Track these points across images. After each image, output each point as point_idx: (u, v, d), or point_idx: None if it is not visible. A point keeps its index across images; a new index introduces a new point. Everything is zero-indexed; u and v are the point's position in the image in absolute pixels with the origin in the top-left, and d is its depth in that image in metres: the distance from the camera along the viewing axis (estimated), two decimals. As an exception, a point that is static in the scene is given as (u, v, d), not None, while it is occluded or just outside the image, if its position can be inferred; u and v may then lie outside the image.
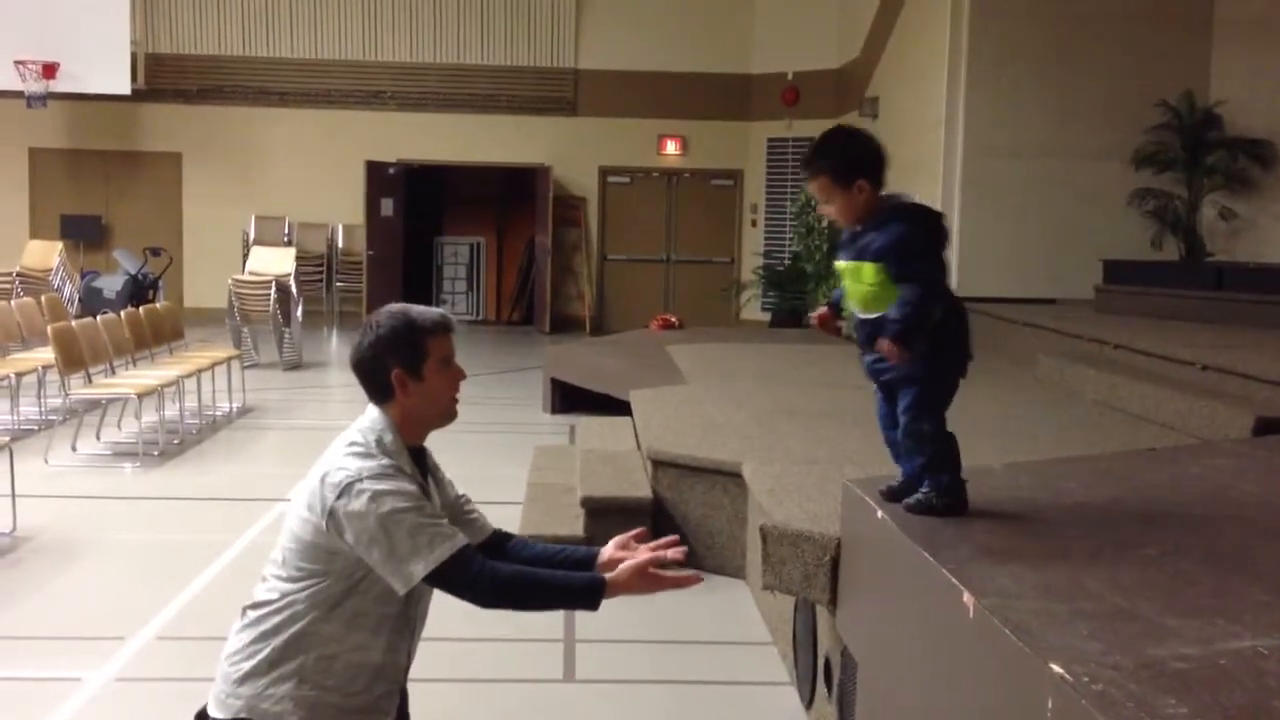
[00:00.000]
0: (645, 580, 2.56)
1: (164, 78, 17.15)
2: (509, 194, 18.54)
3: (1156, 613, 2.59)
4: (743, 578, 5.91)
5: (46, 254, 15.11)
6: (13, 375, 9.11)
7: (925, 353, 3.10)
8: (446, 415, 2.62)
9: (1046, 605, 2.61)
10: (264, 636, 2.49)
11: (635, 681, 4.96)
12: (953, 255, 11.33)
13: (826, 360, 9.78)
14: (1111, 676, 2.16)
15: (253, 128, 17.40)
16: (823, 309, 3.27)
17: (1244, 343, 7.40)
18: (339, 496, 2.43)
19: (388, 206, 17.43)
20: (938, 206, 11.66)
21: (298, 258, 14.39)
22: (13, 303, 10.67)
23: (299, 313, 13.52)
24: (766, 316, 16.67)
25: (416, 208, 17.98)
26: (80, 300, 14.04)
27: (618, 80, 17.49)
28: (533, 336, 16.88)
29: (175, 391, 9.36)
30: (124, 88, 16.02)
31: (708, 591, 5.92)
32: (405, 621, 2.57)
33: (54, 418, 9.02)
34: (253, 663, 2.49)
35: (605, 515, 6.07)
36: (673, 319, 14.39)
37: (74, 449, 8.60)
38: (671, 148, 17.80)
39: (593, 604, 2.53)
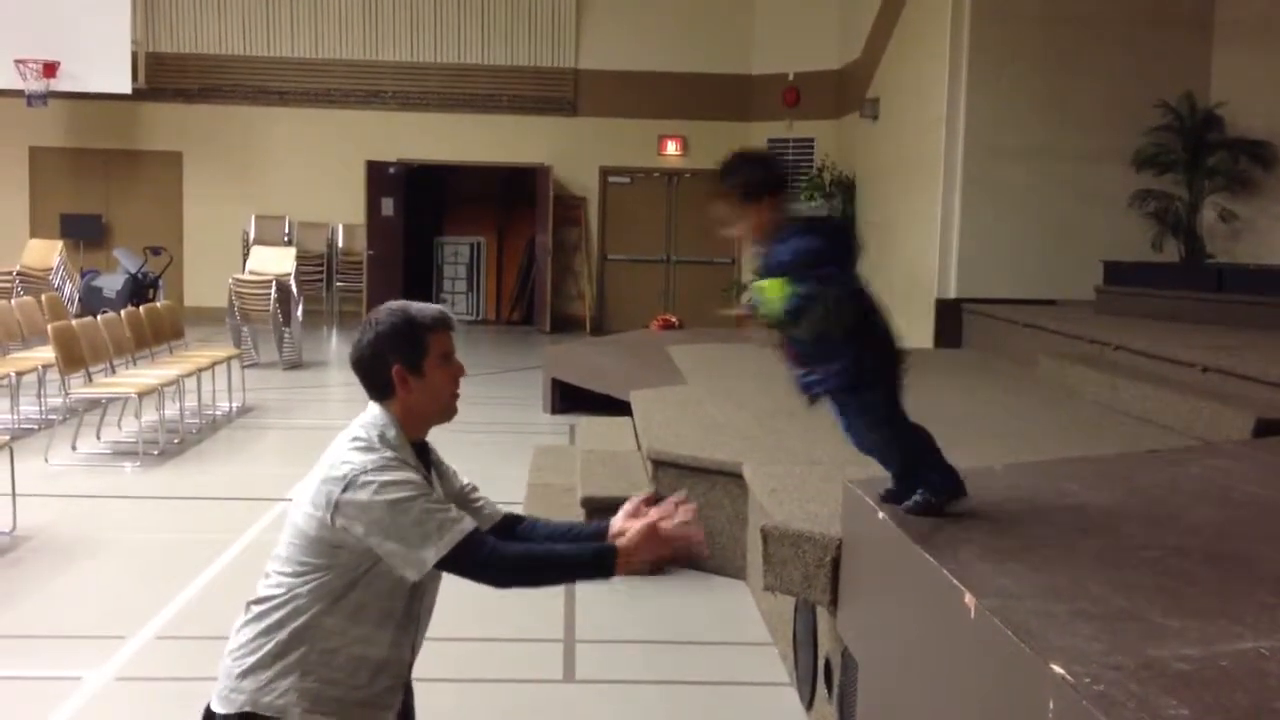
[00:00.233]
0: (653, 542, 2.57)
1: (164, 77, 17.15)
2: (509, 194, 18.54)
3: (1158, 613, 2.59)
4: (743, 578, 5.91)
5: (47, 253, 15.10)
6: (13, 374, 9.11)
7: (846, 366, 3.11)
8: (447, 411, 2.63)
9: (1047, 606, 2.61)
10: (267, 631, 2.50)
11: (635, 682, 4.96)
12: (953, 256, 11.35)
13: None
14: (1113, 677, 2.16)
15: (253, 127, 17.40)
16: (742, 310, 3.24)
17: (1244, 344, 7.40)
18: (344, 490, 2.44)
19: (388, 206, 17.44)
20: (938, 208, 11.74)
21: (298, 257, 14.39)
22: (13, 302, 10.67)
23: (299, 312, 13.52)
24: (767, 317, 16.67)
25: (417, 207, 17.98)
26: (80, 299, 14.04)
27: (618, 80, 17.50)
28: (533, 336, 16.88)
29: (175, 391, 9.35)
30: (124, 87, 16.02)
31: (708, 592, 5.92)
32: (409, 616, 2.58)
33: (54, 417, 9.02)
34: (256, 657, 2.50)
35: (605, 515, 6.01)
36: (673, 319, 14.39)
37: (74, 448, 8.60)
38: (672, 148, 17.80)
39: (604, 572, 2.56)
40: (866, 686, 3.61)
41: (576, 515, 6.19)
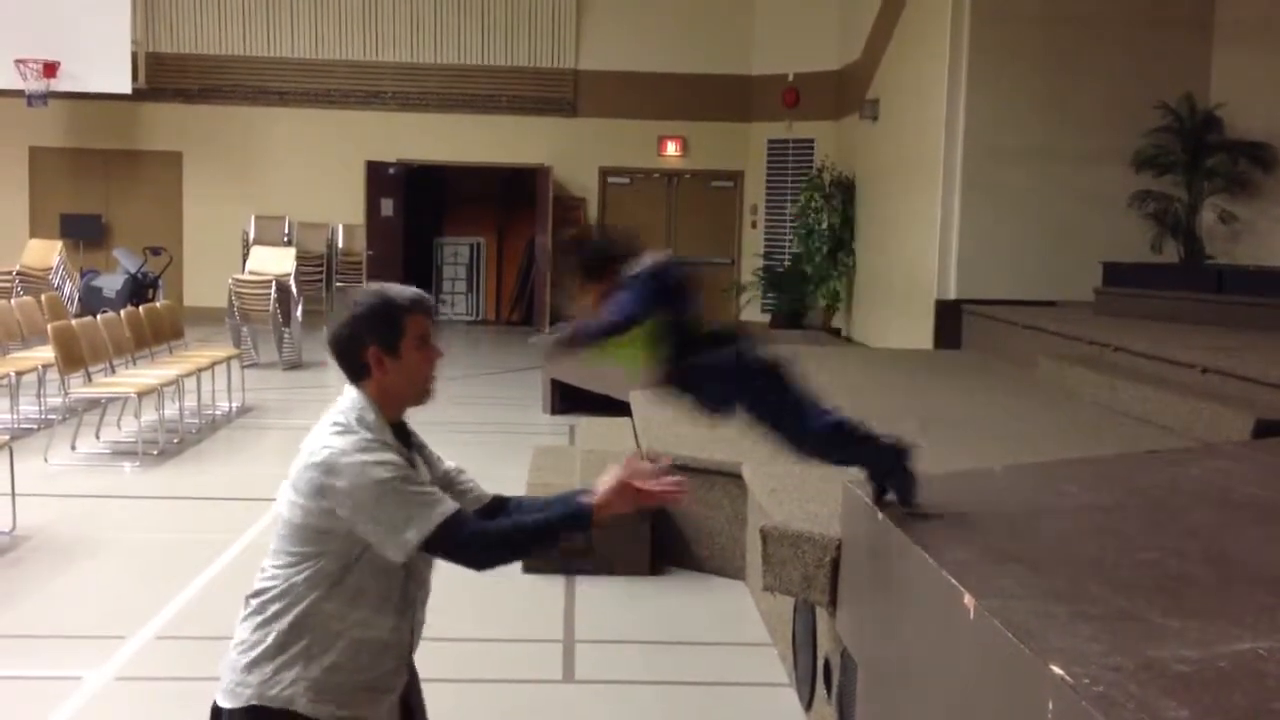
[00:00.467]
0: (628, 495, 2.57)
1: (164, 77, 17.15)
2: (509, 194, 18.53)
3: (1157, 614, 2.59)
4: (742, 579, 5.91)
5: (46, 253, 15.10)
6: (13, 374, 9.10)
7: (725, 395, 3.15)
8: (423, 394, 2.62)
9: (1047, 607, 2.61)
10: (267, 622, 2.50)
11: (634, 682, 4.96)
12: (952, 257, 11.36)
13: (826, 361, 9.78)
14: (1112, 678, 2.16)
15: (253, 127, 17.40)
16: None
17: (1244, 345, 7.40)
18: (326, 474, 2.45)
19: (388, 206, 17.43)
20: (937, 209, 11.72)
21: (298, 257, 14.39)
22: (13, 301, 10.67)
23: (299, 312, 13.52)
24: (766, 318, 16.69)
25: (416, 208, 17.97)
26: (80, 299, 14.03)
27: (618, 81, 17.50)
28: (533, 337, 16.85)
29: (175, 391, 9.35)
30: (124, 87, 16.01)
31: (707, 592, 5.93)
32: (406, 598, 2.58)
33: (54, 417, 9.02)
34: (259, 650, 2.50)
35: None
36: (673, 320, 14.40)
37: (74, 448, 8.60)
38: (672, 149, 17.80)
39: (582, 526, 2.59)
40: (866, 687, 3.61)
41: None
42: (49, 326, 8.76)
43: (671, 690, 4.92)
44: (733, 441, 6.18)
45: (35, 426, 9.26)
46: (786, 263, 16.74)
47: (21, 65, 15.33)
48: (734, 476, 5.75)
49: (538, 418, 10.49)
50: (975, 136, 11.25)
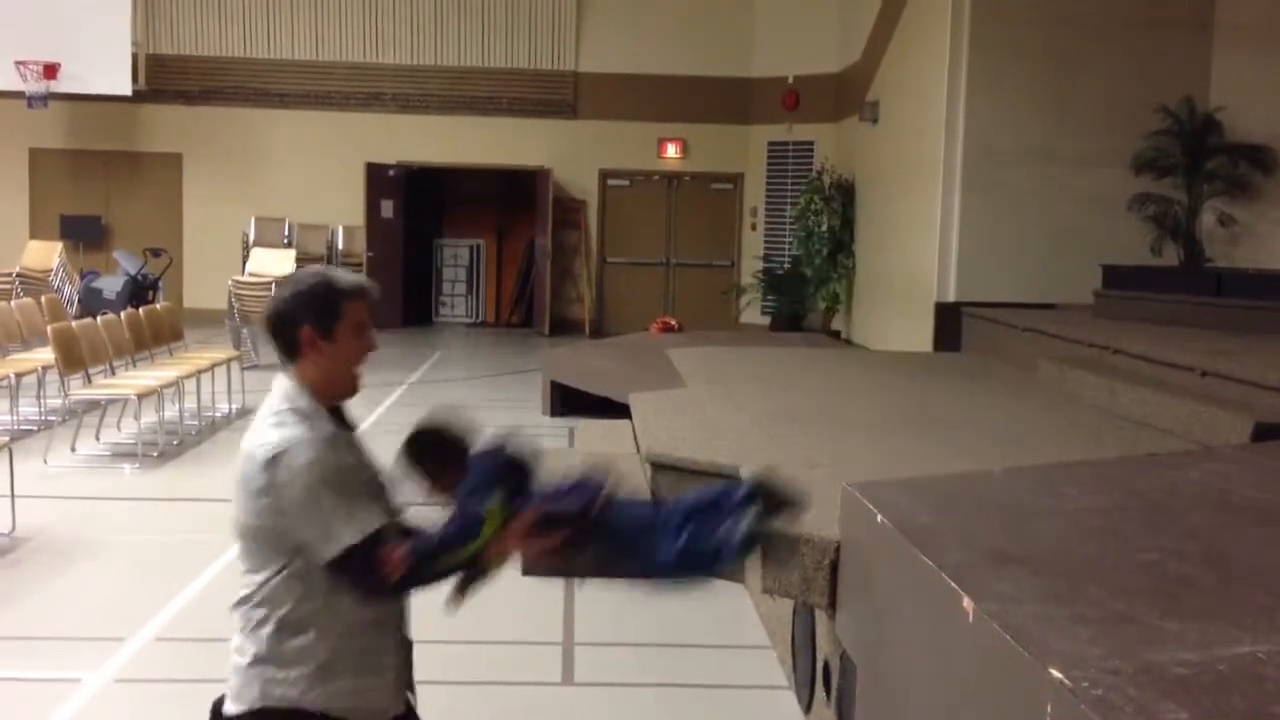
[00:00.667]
0: (519, 540, 2.53)
1: (165, 78, 17.16)
2: (509, 196, 18.55)
3: (1156, 617, 2.59)
4: (741, 581, 5.91)
5: (46, 254, 15.11)
6: (12, 375, 9.11)
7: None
8: (350, 383, 2.59)
9: (1046, 609, 2.61)
10: (257, 628, 2.50)
11: (633, 685, 4.96)
12: (952, 259, 11.36)
13: (826, 364, 9.79)
14: (1111, 681, 2.16)
15: (253, 129, 17.41)
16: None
17: (1243, 348, 7.40)
18: (265, 469, 2.44)
19: (388, 208, 17.44)
20: (937, 211, 11.73)
21: (298, 259, 14.40)
22: (13, 303, 10.67)
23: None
24: (766, 320, 16.70)
25: (416, 209, 17.99)
26: (80, 301, 14.03)
27: (618, 83, 17.50)
28: (532, 339, 16.88)
29: (175, 392, 9.36)
30: (125, 88, 16.02)
31: (706, 595, 5.92)
32: None
33: (53, 418, 9.02)
34: (254, 654, 2.50)
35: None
36: (672, 322, 14.40)
37: (73, 450, 8.60)
38: (672, 151, 17.81)
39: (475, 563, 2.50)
40: (865, 690, 3.61)
41: (575, 518, 6.19)
42: (49, 328, 8.76)
43: (671, 693, 4.91)
44: (732, 444, 6.19)
45: (35, 428, 9.27)
46: (786, 265, 16.75)
47: (22, 66, 15.34)
48: (733, 479, 5.74)
49: (538, 420, 10.48)
50: (975, 139, 11.25)
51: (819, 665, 4.31)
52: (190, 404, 9.61)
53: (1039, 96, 11.25)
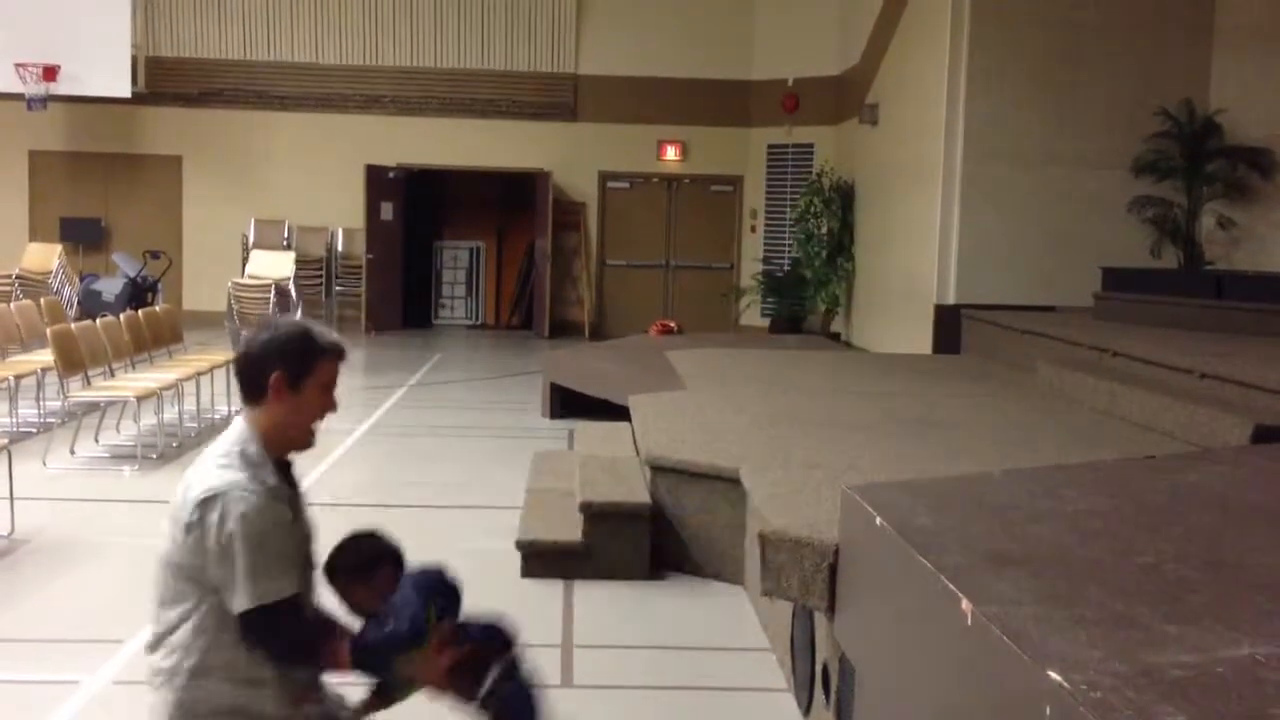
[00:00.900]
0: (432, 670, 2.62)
1: (164, 81, 17.16)
2: (509, 199, 18.55)
3: (1155, 620, 2.59)
4: (741, 583, 5.91)
5: (46, 256, 15.12)
6: (11, 378, 9.10)
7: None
8: (305, 437, 2.62)
9: (1045, 612, 2.61)
10: (191, 680, 2.51)
11: (633, 687, 4.96)
12: (952, 261, 11.37)
13: (826, 366, 9.79)
14: (1110, 684, 2.16)
15: (253, 131, 17.41)
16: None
17: (1243, 351, 7.41)
18: (197, 508, 2.47)
19: (387, 210, 17.43)
20: (937, 214, 11.75)
21: (297, 261, 14.44)
22: (12, 305, 10.66)
23: (298, 316, 13.52)
24: (766, 322, 16.69)
25: (416, 212, 17.98)
26: (79, 303, 14.04)
27: (618, 85, 17.51)
28: (532, 341, 16.88)
29: (174, 394, 9.35)
30: (124, 90, 16.01)
31: (706, 597, 5.92)
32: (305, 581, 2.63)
33: (52, 420, 9.01)
34: (208, 701, 2.52)
35: (604, 521, 6.08)
36: (672, 324, 14.41)
37: (72, 452, 8.59)
38: (671, 153, 17.81)
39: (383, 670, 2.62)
40: (864, 692, 3.61)
41: (575, 520, 6.20)
42: (48, 330, 8.76)
43: (670, 695, 4.91)
44: (731, 447, 6.19)
45: (34, 430, 9.26)
46: (786, 267, 16.75)
47: (21, 69, 15.33)
48: (733, 481, 5.75)
49: (537, 421, 10.48)
50: (975, 141, 11.26)
51: (818, 668, 4.31)
52: (189, 406, 9.61)
53: (1039, 99, 11.26)
